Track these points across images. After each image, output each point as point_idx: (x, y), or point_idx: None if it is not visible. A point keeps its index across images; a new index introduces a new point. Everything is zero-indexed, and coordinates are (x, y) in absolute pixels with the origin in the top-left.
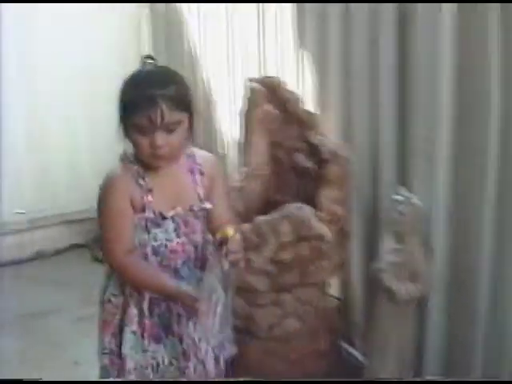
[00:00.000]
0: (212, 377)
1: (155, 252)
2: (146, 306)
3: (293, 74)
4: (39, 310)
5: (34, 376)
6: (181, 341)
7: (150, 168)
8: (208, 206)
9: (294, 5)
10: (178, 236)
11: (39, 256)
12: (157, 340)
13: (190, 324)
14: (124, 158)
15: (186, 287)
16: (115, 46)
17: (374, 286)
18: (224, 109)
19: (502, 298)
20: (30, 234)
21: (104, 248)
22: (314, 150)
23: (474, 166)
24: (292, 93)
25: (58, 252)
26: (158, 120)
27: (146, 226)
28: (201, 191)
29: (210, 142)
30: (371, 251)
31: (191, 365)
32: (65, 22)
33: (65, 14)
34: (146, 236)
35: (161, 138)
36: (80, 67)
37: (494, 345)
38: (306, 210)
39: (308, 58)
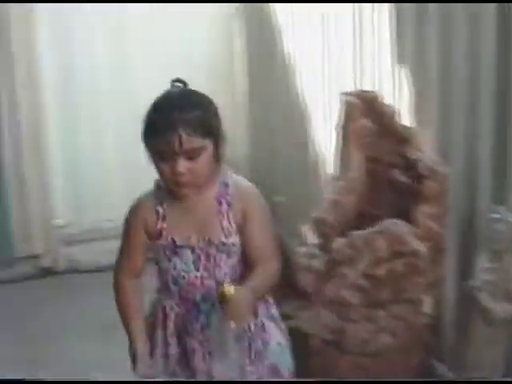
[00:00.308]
0: None
1: (174, 281)
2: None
3: (390, 86)
4: None
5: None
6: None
7: (176, 195)
8: (232, 240)
9: (393, 10)
10: (196, 269)
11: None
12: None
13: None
14: (158, 183)
15: (139, 347)
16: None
17: (468, 304)
18: (318, 122)
19: None
20: (117, 241)
21: (115, 265)
22: (410, 165)
23: None
24: (389, 106)
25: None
26: (177, 146)
27: (165, 253)
28: (226, 224)
29: (305, 155)
30: (466, 269)
31: None
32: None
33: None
34: (167, 264)
35: (182, 165)
36: None
37: None
38: (402, 226)
39: (406, 70)
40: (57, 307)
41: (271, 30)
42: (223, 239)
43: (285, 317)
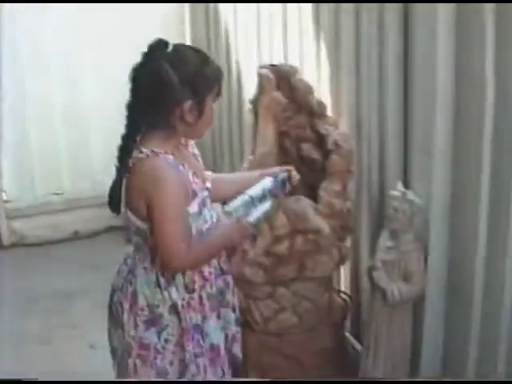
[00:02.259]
0: None
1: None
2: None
3: (311, 63)
4: (66, 291)
5: (48, 355)
6: (234, 310)
7: (176, 153)
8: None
9: None
10: (213, 209)
11: (76, 237)
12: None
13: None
14: (156, 152)
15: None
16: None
17: (370, 283)
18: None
19: (496, 298)
20: (66, 214)
21: (168, 251)
22: (321, 141)
23: (470, 164)
24: (303, 82)
25: (94, 234)
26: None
27: (200, 210)
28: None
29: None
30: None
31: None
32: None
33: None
34: (200, 221)
35: None
36: None
37: (487, 345)
38: (304, 203)
39: (324, 49)
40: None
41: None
42: (208, 184)
43: None
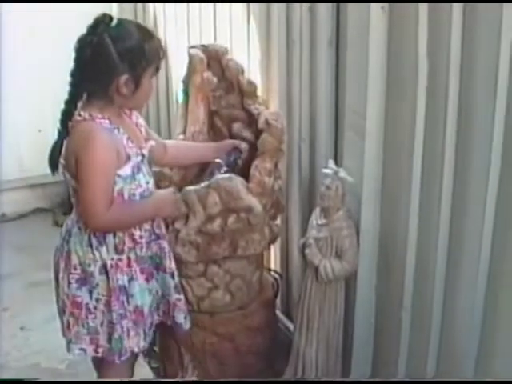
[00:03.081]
0: None
1: (142, 198)
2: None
3: (243, 44)
4: None
5: None
6: (172, 276)
7: (114, 119)
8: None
9: None
10: (150, 176)
11: (3, 219)
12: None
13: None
14: (93, 116)
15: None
16: None
17: (303, 261)
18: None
19: (428, 275)
20: None
21: (86, 209)
22: (252, 120)
23: (403, 142)
24: (233, 61)
25: (21, 216)
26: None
27: (133, 174)
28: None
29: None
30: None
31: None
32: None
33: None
34: (133, 185)
35: None
36: None
37: (419, 324)
38: (236, 181)
39: (255, 28)
40: None
41: None
42: (144, 150)
43: None
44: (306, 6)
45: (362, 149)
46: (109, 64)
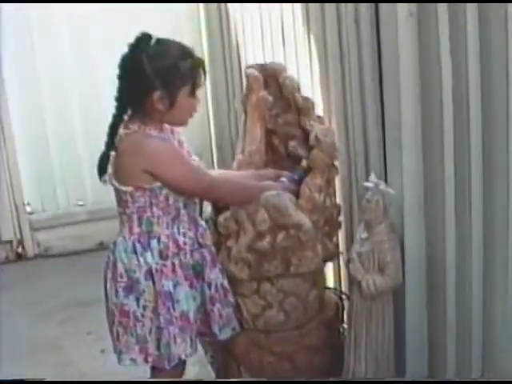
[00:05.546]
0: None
1: (184, 206)
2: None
3: (302, 61)
4: (86, 299)
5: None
6: (209, 286)
7: (183, 123)
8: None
9: None
10: None
11: (101, 248)
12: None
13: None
14: (141, 129)
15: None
16: None
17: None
18: None
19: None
20: (91, 225)
21: (188, 180)
22: (307, 138)
23: (438, 155)
24: (289, 78)
25: None
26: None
27: None
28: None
29: None
30: None
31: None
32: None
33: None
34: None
35: None
36: None
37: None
38: (284, 198)
39: (313, 45)
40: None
41: None
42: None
43: None
44: (351, 17)
45: (401, 162)
46: (143, 80)
